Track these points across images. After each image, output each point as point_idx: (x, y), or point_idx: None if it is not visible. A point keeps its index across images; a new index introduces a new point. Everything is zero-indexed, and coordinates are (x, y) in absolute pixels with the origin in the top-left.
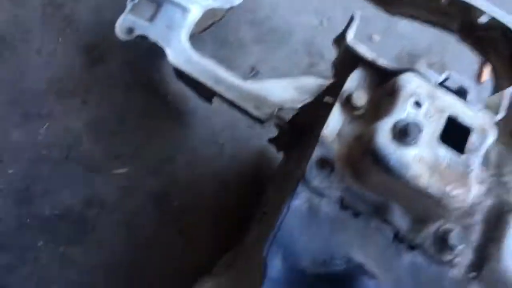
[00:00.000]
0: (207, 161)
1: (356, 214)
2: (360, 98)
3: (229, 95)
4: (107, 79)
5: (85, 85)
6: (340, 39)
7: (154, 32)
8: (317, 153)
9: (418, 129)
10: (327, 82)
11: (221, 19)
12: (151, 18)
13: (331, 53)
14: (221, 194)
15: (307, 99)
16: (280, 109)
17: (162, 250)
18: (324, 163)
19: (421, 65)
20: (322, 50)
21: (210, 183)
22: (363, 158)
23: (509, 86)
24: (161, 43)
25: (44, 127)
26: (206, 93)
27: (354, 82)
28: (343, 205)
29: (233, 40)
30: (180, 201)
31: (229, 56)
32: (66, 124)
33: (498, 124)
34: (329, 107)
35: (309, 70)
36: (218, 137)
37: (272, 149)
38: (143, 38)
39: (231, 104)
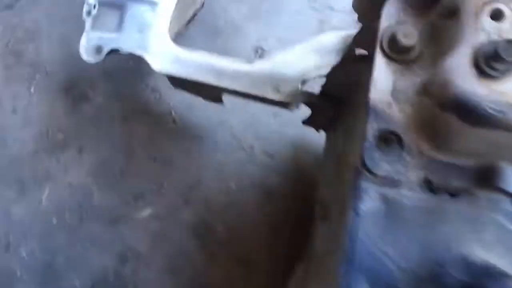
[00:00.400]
0: (238, 172)
1: (454, 194)
2: (409, 36)
3: (238, 86)
4: (97, 116)
5: (74, 131)
6: None
7: (126, 42)
8: (372, 127)
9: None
10: (352, 31)
11: (202, 5)
12: (118, 27)
13: (341, 1)
14: (266, 205)
15: (334, 61)
16: (304, 82)
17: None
18: (387, 139)
19: None
20: (329, 0)
21: (249, 196)
22: (442, 114)
23: None
24: (137, 52)
25: (46, 192)
26: (212, 92)
27: (392, 17)
28: (432, 187)
29: (224, 24)
30: (223, 226)
31: (226, 44)
32: (69, 181)
33: None
34: (367, 60)
35: (321, 29)
36: (242, 140)
37: (310, 132)
38: (115, 52)
39: (245, 96)
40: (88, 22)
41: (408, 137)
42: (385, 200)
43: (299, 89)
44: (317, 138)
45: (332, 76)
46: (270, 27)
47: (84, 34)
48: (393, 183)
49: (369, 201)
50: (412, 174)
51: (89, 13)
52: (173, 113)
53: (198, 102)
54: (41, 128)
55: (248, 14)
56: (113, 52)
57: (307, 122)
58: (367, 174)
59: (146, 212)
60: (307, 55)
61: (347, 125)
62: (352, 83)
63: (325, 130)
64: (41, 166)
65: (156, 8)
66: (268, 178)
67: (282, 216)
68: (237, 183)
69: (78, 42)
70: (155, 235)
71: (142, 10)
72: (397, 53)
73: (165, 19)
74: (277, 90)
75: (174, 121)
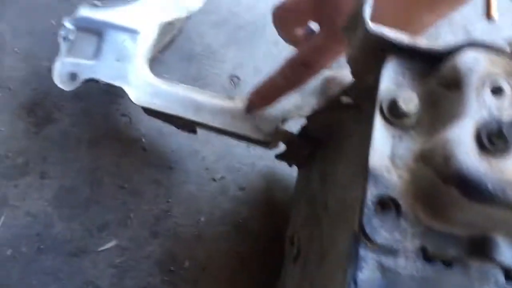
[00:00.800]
0: (208, 205)
1: (448, 263)
2: (409, 102)
3: (217, 123)
4: (63, 140)
5: (38, 155)
6: (351, 23)
7: (104, 71)
8: (371, 192)
9: None
10: (332, 72)
11: (180, 31)
12: (95, 54)
13: None
14: (236, 240)
15: (314, 102)
16: (284, 121)
17: None
18: (385, 205)
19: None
20: None
21: (219, 230)
22: (441, 186)
23: None
24: (116, 83)
25: (1, 220)
26: (188, 125)
27: (391, 79)
28: (428, 256)
29: (201, 50)
30: (191, 260)
31: (201, 71)
32: (27, 208)
33: None
34: (351, 109)
35: None
36: (214, 172)
37: (282, 165)
38: (91, 81)
39: (223, 132)
40: (63, 46)
41: (406, 204)
42: (382, 269)
43: (279, 129)
44: (290, 171)
45: (314, 119)
46: (246, 55)
47: (58, 59)
48: (390, 251)
49: (367, 270)
50: (409, 242)
51: (65, 38)
52: (143, 140)
53: (170, 129)
54: (0, 151)
55: (225, 41)
56: (90, 81)
57: (280, 157)
58: (366, 242)
59: (110, 244)
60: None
61: (324, 168)
62: (333, 128)
63: (298, 166)
64: None
65: (136, 37)
66: (239, 211)
67: (252, 253)
68: (207, 216)
69: (45, 58)
70: (118, 269)
71: (121, 38)
72: (396, 117)
73: (145, 49)
74: (257, 128)
75: (144, 148)
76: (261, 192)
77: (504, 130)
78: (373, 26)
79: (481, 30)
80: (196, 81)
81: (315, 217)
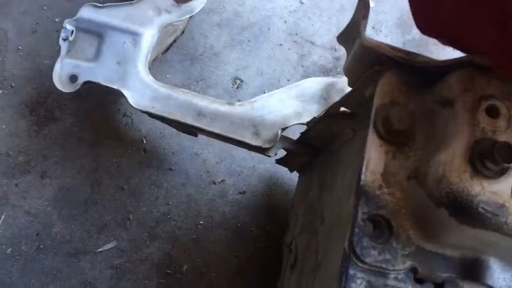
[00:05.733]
0: (209, 207)
1: (440, 285)
2: (402, 119)
3: (216, 128)
4: (64, 139)
5: (39, 154)
6: (348, 35)
7: (104, 73)
8: (362, 210)
9: (509, 148)
10: (333, 79)
11: (183, 32)
12: (96, 56)
13: (323, 36)
14: (234, 244)
15: (314, 109)
16: (284, 128)
17: None
18: (376, 223)
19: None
20: (311, 34)
21: (218, 234)
22: (433, 207)
23: None
24: (115, 86)
25: (1, 219)
26: (188, 129)
27: (386, 94)
28: (419, 277)
29: (203, 51)
30: (190, 264)
31: (204, 72)
32: (28, 208)
33: None
34: (350, 117)
35: (300, 63)
36: (215, 175)
37: (283, 170)
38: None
39: (222, 138)
40: (64, 47)
41: (397, 224)
42: None
43: (279, 135)
44: (290, 176)
45: (314, 127)
46: (249, 58)
47: (58, 60)
48: (380, 272)
49: None
50: (399, 262)
51: (65, 39)
52: (144, 141)
53: (171, 131)
54: (1, 149)
55: (228, 42)
56: (90, 83)
57: (280, 162)
58: (356, 261)
59: (109, 245)
60: (288, 101)
61: (323, 176)
62: (333, 137)
63: (299, 172)
64: None
65: (137, 40)
66: (239, 215)
67: (250, 257)
68: (207, 220)
69: (48, 57)
70: (117, 271)
71: (123, 40)
72: (390, 134)
73: (146, 51)
74: (256, 135)
75: (145, 150)
76: (261, 196)
77: (496, 153)
78: (369, 40)
79: None
80: (199, 82)
81: (312, 226)
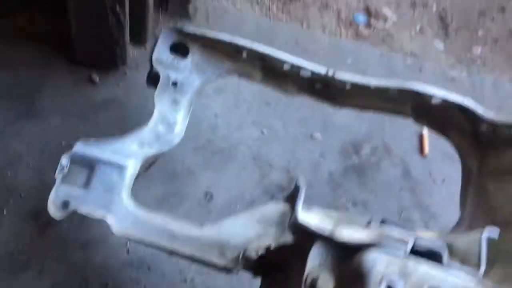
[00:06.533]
0: None
1: None
2: (327, 283)
3: (187, 250)
4: (61, 242)
5: (39, 253)
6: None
7: (92, 200)
8: None
9: None
10: (288, 207)
11: (163, 154)
12: (86, 185)
13: (279, 161)
14: None
15: (274, 232)
16: (246, 249)
17: None
18: None
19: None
20: (270, 159)
21: None
22: None
23: (476, 165)
24: (97, 213)
25: None
26: (163, 250)
27: (315, 261)
28: None
29: (181, 170)
30: None
31: (180, 187)
32: None
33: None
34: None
35: (261, 182)
36: (185, 273)
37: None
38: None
39: (192, 259)
40: (59, 178)
41: None
42: None
43: (241, 256)
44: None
45: (270, 252)
46: (219, 176)
47: (54, 188)
48: None
49: None
50: None
51: (60, 171)
52: (128, 244)
53: None
54: (6, 249)
55: (202, 163)
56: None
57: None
58: None
59: None
60: (250, 224)
61: None
62: (286, 262)
63: (260, 276)
64: None
65: (123, 171)
66: None
67: None
68: None
69: (52, 173)
70: None
71: (110, 172)
72: None
73: (130, 181)
74: (222, 255)
75: (128, 251)
76: None
77: None
78: (302, 220)
79: (415, 162)
80: (175, 195)
81: None
